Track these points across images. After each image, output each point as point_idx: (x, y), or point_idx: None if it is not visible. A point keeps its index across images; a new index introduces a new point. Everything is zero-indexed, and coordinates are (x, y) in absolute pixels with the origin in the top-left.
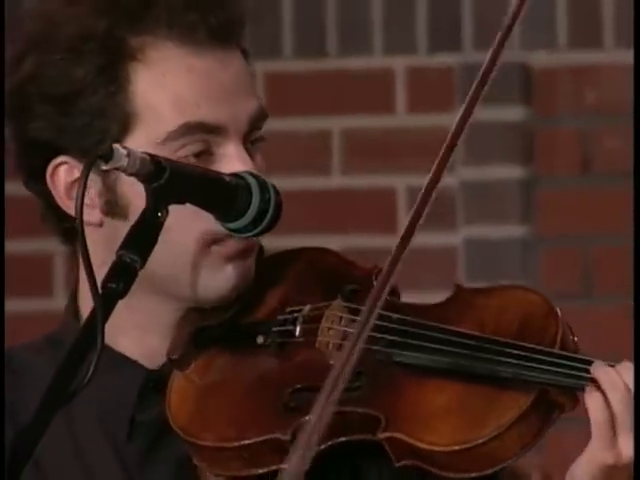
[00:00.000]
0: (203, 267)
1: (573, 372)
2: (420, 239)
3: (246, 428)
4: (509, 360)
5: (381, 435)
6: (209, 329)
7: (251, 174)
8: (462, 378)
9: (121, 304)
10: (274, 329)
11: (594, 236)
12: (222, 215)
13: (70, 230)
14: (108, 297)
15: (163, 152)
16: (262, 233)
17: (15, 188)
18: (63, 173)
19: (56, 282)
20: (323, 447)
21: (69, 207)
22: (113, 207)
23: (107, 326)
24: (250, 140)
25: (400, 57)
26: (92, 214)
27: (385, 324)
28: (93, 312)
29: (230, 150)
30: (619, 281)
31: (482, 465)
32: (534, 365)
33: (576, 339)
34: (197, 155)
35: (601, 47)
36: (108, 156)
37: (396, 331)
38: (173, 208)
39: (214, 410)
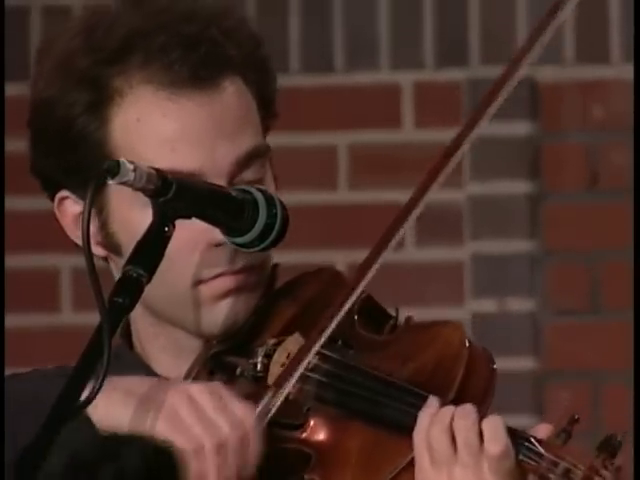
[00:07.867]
0: (195, 305)
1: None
2: (427, 254)
3: None
4: (396, 405)
5: (307, 476)
6: (220, 355)
7: (258, 189)
8: (372, 423)
9: (149, 330)
10: (250, 361)
11: (601, 251)
12: (229, 230)
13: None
14: (114, 311)
15: (139, 200)
16: (269, 248)
17: (22, 202)
18: (68, 206)
19: (63, 297)
20: None
21: (78, 237)
22: (109, 245)
23: (145, 349)
24: (245, 180)
25: (407, 72)
26: (96, 249)
27: (319, 363)
28: (100, 327)
29: None
30: (626, 296)
31: None
32: (409, 409)
33: (495, 366)
34: None
35: (608, 62)
36: (115, 170)
37: (326, 372)
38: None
39: None
